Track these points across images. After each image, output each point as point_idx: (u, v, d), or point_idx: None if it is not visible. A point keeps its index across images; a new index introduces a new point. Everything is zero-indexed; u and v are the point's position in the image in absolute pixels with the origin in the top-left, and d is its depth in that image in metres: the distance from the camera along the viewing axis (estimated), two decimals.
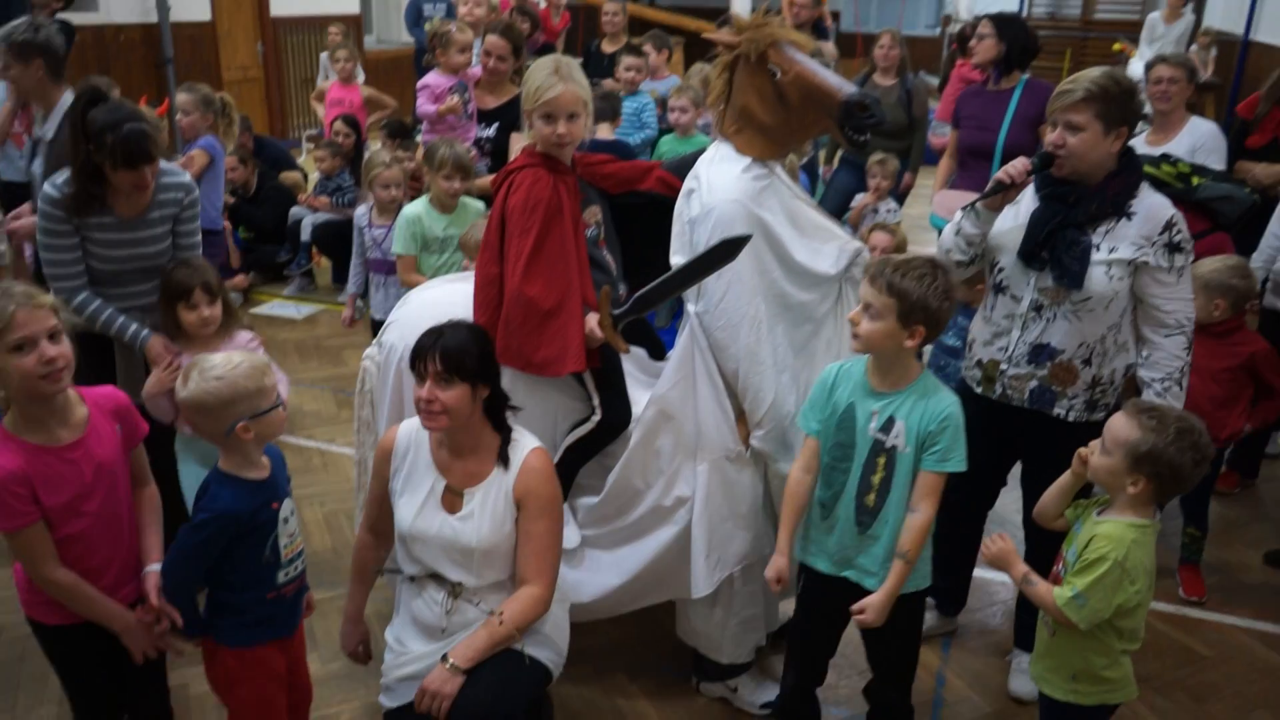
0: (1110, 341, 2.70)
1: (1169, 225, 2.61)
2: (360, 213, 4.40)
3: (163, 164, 3.01)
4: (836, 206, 5.79)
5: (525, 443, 2.50)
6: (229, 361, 2.22)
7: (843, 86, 2.60)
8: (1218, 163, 4.05)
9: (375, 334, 4.18)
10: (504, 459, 2.44)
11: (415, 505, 2.45)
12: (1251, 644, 3.41)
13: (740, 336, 2.69)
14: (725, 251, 2.57)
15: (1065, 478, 2.38)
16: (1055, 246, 2.63)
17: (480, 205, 4.09)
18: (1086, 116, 2.57)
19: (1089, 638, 2.24)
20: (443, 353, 2.31)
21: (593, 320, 2.62)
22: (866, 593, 2.44)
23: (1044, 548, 2.57)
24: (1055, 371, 2.73)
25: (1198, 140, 4.10)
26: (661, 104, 5.51)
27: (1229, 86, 11.22)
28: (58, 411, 2.13)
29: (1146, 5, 15.57)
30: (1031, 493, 2.87)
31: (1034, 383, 2.77)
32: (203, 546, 2.20)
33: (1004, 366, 2.80)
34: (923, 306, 2.28)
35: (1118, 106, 2.57)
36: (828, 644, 2.65)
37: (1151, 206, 2.64)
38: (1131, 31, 12.92)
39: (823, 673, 2.69)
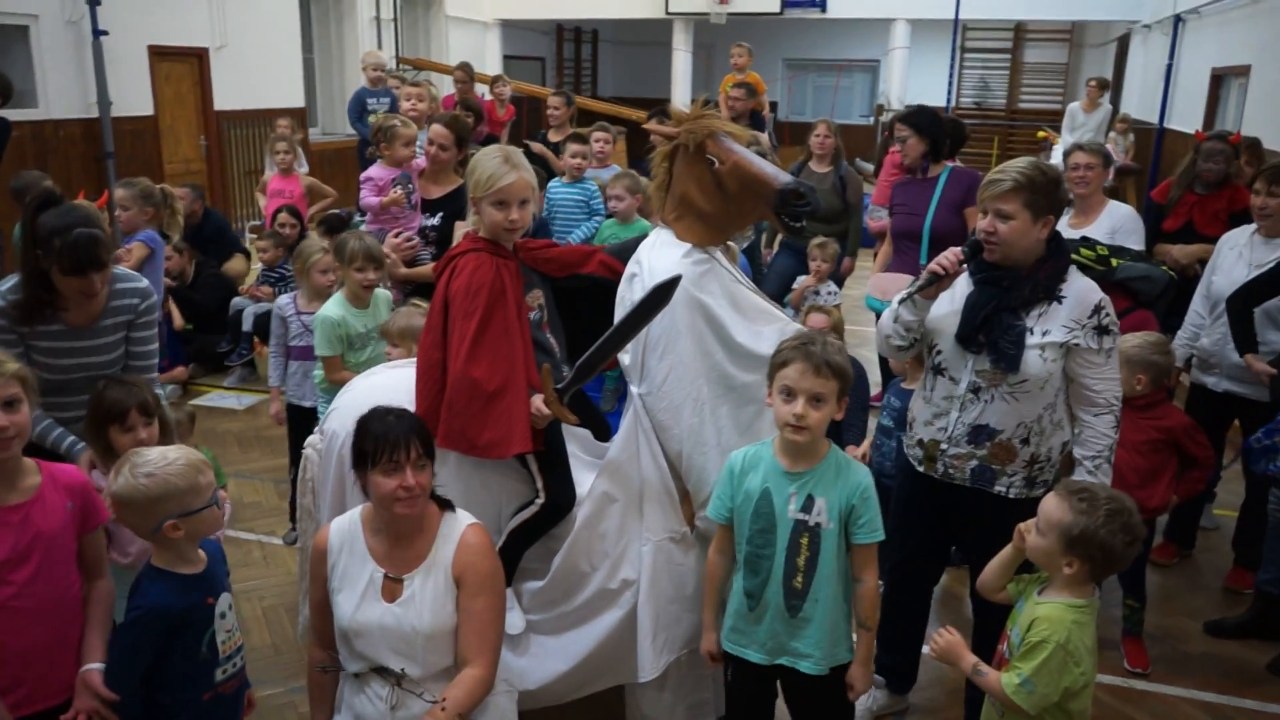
0: (1047, 420, 2.77)
1: (1098, 309, 2.71)
2: (284, 301, 4.33)
3: (118, 269, 2.94)
4: (777, 290, 5.91)
5: (461, 520, 2.49)
6: (163, 457, 2.18)
7: (778, 175, 2.69)
8: (1136, 244, 4.22)
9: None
10: (441, 536, 2.43)
11: (354, 599, 2.41)
12: (1196, 714, 3.44)
13: (683, 418, 2.71)
14: (657, 299, 2.61)
15: (1006, 552, 2.42)
16: (991, 330, 2.71)
17: (387, 294, 4.11)
18: (1015, 205, 2.67)
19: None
20: (420, 438, 2.35)
21: (538, 400, 2.64)
22: (802, 677, 2.46)
23: (991, 622, 2.61)
24: (995, 451, 2.79)
25: (1116, 223, 4.28)
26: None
27: (1147, 171, 11.77)
28: (6, 475, 2.13)
29: (1067, 95, 16.37)
30: (976, 568, 2.90)
31: (974, 462, 2.83)
32: (135, 646, 2.14)
33: (944, 446, 2.86)
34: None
35: (1044, 195, 2.68)
36: None
37: (1080, 290, 2.74)
38: (1054, 120, 13.55)
39: None
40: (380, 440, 2.33)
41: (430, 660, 2.40)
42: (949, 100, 15.49)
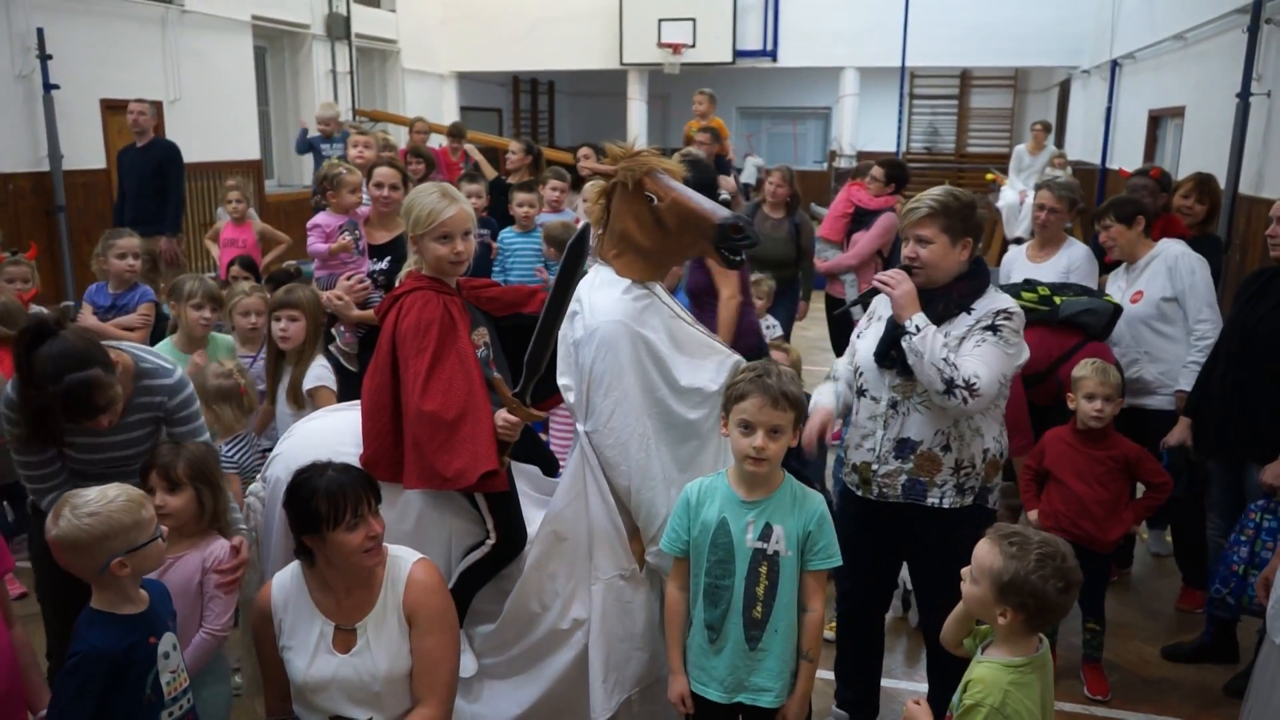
0: (965, 426, 2.84)
1: (998, 313, 2.79)
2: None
3: (145, 365, 2.73)
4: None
5: (406, 558, 2.46)
6: (103, 496, 2.15)
7: (716, 210, 2.74)
8: (1090, 280, 4.34)
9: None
10: (389, 578, 2.41)
11: (307, 655, 2.37)
12: None
13: (630, 453, 2.72)
14: (576, 255, 2.65)
15: (960, 606, 2.32)
16: (899, 344, 2.79)
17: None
18: (933, 230, 2.79)
19: None
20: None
21: (503, 412, 2.64)
22: (761, 711, 2.46)
23: (949, 672, 2.59)
24: (920, 462, 2.85)
25: (1072, 262, 4.39)
26: None
27: (1091, 210, 12.04)
28: None
29: (1013, 138, 16.76)
30: (923, 592, 2.92)
31: (904, 477, 2.87)
32: (79, 692, 2.08)
33: (875, 466, 2.91)
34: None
35: (960, 219, 2.80)
36: None
37: (993, 302, 2.83)
38: (1001, 162, 13.87)
39: None
40: (338, 497, 2.29)
41: (391, 704, 2.37)
42: (899, 145, 15.80)
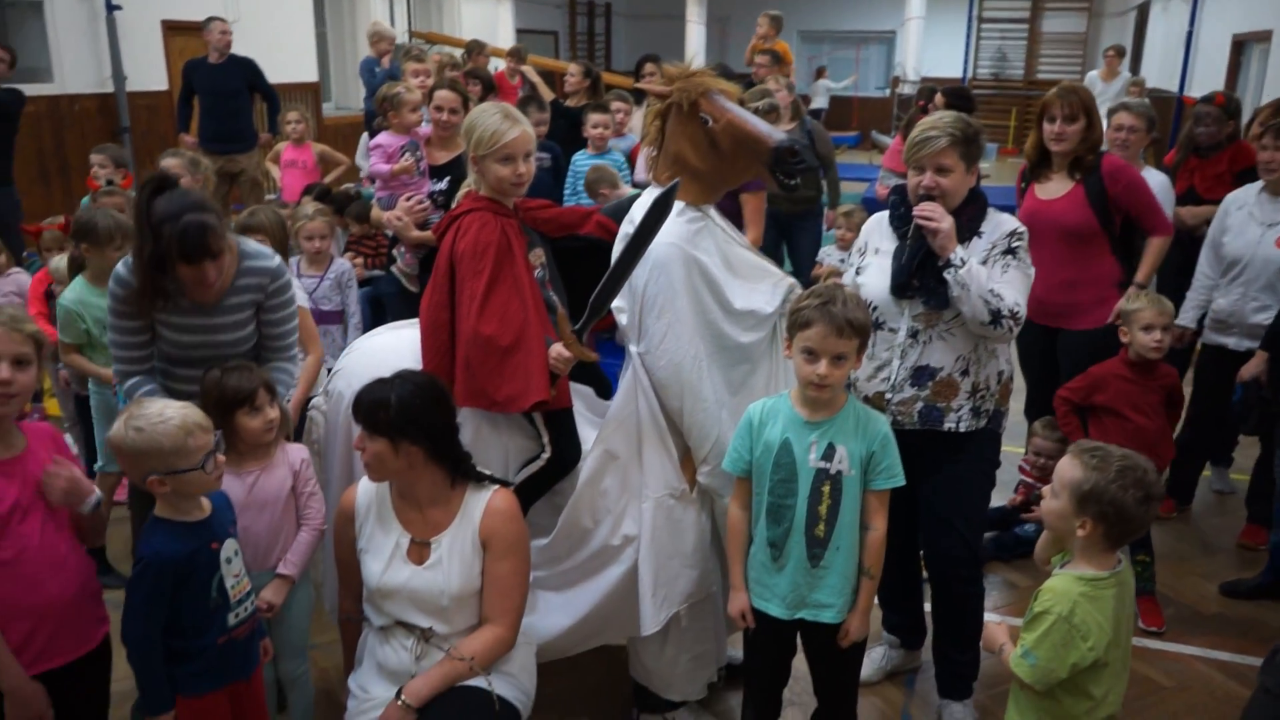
0: (982, 350, 2.87)
1: (1010, 234, 2.83)
2: (290, 264, 4.32)
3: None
4: None
5: (487, 484, 2.51)
6: (159, 414, 2.19)
7: (772, 133, 2.71)
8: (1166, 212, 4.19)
9: None
10: (468, 501, 2.46)
11: (382, 561, 2.45)
12: (1210, 673, 3.45)
13: (683, 375, 2.73)
14: (659, 211, 2.62)
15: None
16: (924, 274, 2.79)
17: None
18: (953, 158, 2.78)
19: (1050, 699, 2.17)
20: (359, 404, 2.37)
21: (558, 346, 2.66)
22: (822, 627, 2.50)
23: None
24: (937, 389, 2.87)
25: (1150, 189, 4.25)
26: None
27: (1166, 141, 11.63)
28: (4, 433, 2.16)
29: (1086, 64, 16.18)
30: (931, 516, 2.95)
31: (920, 404, 2.89)
32: (148, 598, 2.18)
33: (889, 395, 2.92)
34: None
35: (975, 146, 2.83)
36: (781, 677, 2.70)
37: (999, 223, 2.86)
38: None
39: (779, 705, 2.73)
40: (353, 408, 2.39)
41: (457, 620, 2.45)
42: (965, 71, 15.35)
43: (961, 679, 3.06)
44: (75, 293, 3.57)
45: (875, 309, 2.91)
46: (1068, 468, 2.16)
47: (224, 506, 2.36)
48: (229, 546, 2.30)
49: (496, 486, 2.51)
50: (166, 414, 2.19)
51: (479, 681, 2.43)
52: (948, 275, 2.72)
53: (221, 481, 2.29)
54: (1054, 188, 3.89)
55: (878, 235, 2.99)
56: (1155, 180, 4.31)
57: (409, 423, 2.34)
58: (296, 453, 2.76)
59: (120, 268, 2.68)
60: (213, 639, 2.26)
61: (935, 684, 3.15)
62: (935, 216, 2.73)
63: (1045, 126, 3.82)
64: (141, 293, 2.62)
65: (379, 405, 2.34)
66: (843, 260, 5.56)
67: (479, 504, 2.46)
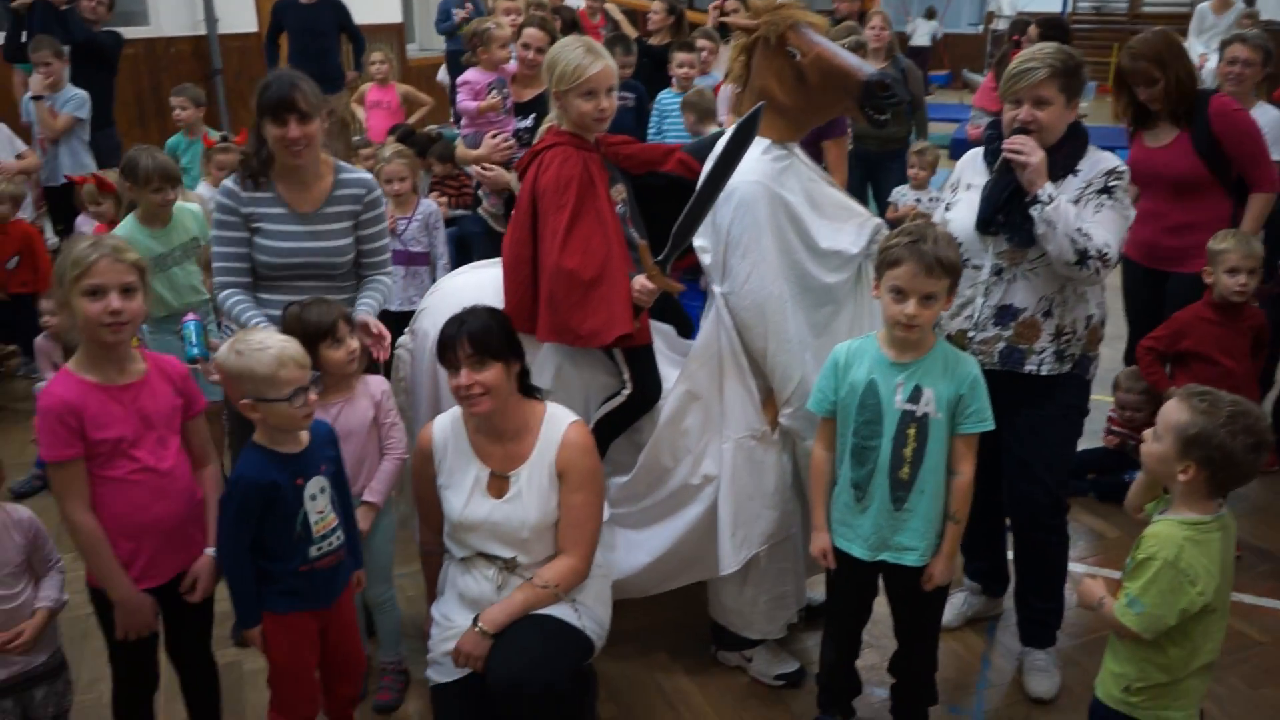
0: (1070, 292, 2.76)
1: (1108, 173, 2.70)
2: None
3: (342, 163, 2.95)
4: None
5: (563, 417, 2.55)
6: (260, 342, 2.28)
7: (862, 67, 2.65)
8: (1277, 152, 3.97)
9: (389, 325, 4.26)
10: (544, 434, 2.50)
11: (462, 496, 2.51)
12: None
13: (767, 316, 2.71)
14: (743, 136, 2.57)
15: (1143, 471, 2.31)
16: (1010, 211, 2.71)
17: (193, 208, 3.88)
18: (1052, 91, 2.66)
19: (1154, 648, 2.11)
20: (469, 337, 2.40)
21: (641, 278, 2.66)
22: (904, 569, 2.48)
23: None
24: (1019, 330, 2.79)
25: (1263, 127, 4.01)
26: None
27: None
28: (117, 360, 2.25)
29: None
30: (1013, 460, 2.89)
31: (1001, 344, 2.82)
32: (235, 516, 2.29)
33: (971, 334, 2.85)
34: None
35: (1075, 79, 2.69)
36: (862, 617, 2.70)
37: (1098, 161, 2.74)
38: (1180, 25, 12.73)
39: (859, 644, 2.73)
40: (443, 342, 2.43)
41: (536, 550, 2.52)
42: (1065, 4, 14.67)
43: (1044, 627, 3.02)
44: (125, 230, 3.60)
45: (960, 245, 2.83)
46: (1174, 410, 2.08)
47: (323, 444, 2.43)
48: (315, 484, 2.36)
49: (572, 419, 2.54)
50: (267, 343, 2.27)
51: (557, 610, 2.50)
52: (1033, 212, 2.63)
53: (308, 420, 2.33)
54: (1161, 135, 3.73)
55: (970, 171, 2.90)
56: (1268, 117, 4.09)
57: (513, 343, 2.45)
58: (377, 384, 2.82)
59: (227, 180, 2.85)
60: (295, 566, 2.35)
61: (1017, 631, 3.11)
62: (1025, 150, 2.64)
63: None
64: (244, 162, 2.81)
65: (487, 332, 2.41)
66: (917, 200, 5.42)
67: (555, 436, 2.51)
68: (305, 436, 2.37)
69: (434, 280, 4.25)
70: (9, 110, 6.38)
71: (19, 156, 5.68)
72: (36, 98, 5.63)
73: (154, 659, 2.41)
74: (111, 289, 2.16)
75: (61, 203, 5.97)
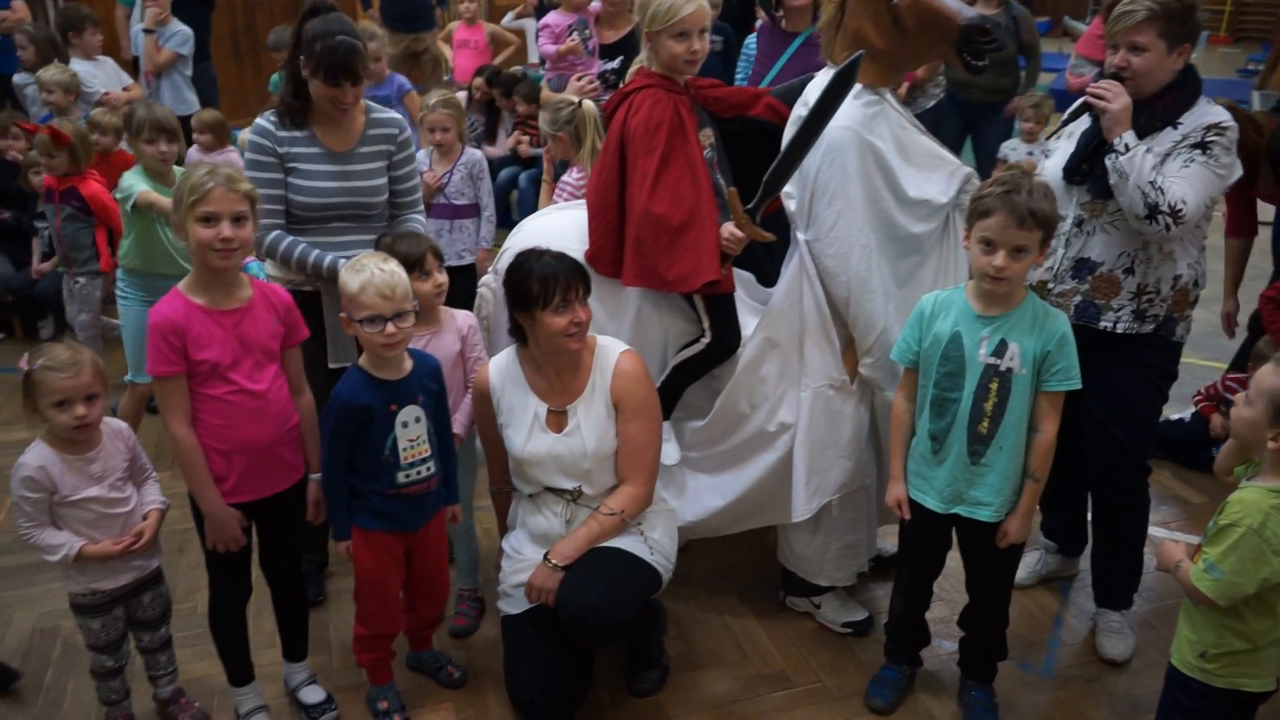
0: (1155, 250, 2.66)
1: (1209, 128, 2.56)
2: (421, 155, 4.12)
3: (369, 102, 2.94)
4: None
5: (614, 348, 2.61)
6: (362, 264, 2.38)
7: (962, 10, 2.56)
8: None
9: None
10: (598, 366, 2.58)
11: (523, 433, 2.58)
12: None
13: (851, 264, 2.68)
14: (840, 86, 2.52)
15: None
16: (1094, 160, 2.63)
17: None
18: (1150, 36, 2.54)
19: (1233, 617, 2.06)
20: (579, 276, 2.49)
21: (729, 225, 2.65)
22: (977, 524, 2.47)
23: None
24: (1096, 284, 2.72)
25: None
26: None
27: None
28: (225, 284, 2.34)
29: None
30: (1092, 420, 2.83)
31: (1078, 298, 2.75)
32: (331, 434, 2.41)
33: (1051, 285, 2.80)
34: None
35: (1179, 24, 2.54)
36: (934, 569, 2.70)
37: (1203, 115, 2.59)
38: None
39: (929, 596, 2.74)
40: (550, 281, 2.45)
41: (599, 479, 2.59)
42: None
43: (1120, 589, 2.98)
44: (129, 182, 3.66)
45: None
46: (1268, 375, 2.01)
47: (426, 376, 2.50)
48: (409, 412, 2.43)
49: (622, 349, 2.60)
50: (365, 265, 2.37)
51: (628, 543, 2.56)
52: (1107, 161, 2.55)
53: (387, 350, 2.38)
54: None
55: (1076, 119, 2.81)
56: None
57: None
58: (464, 318, 2.88)
59: (259, 119, 2.85)
60: (382, 488, 2.44)
61: (1091, 593, 3.07)
62: (1108, 96, 2.55)
63: None
64: (279, 107, 2.80)
65: (583, 269, 2.51)
66: (1030, 153, 5.24)
67: (607, 367, 2.56)
68: (407, 365, 2.45)
69: (480, 234, 4.20)
70: (115, 46, 6.56)
71: (125, 89, 5.85)
72: (147, 30, 5.77)
73: (246, 571, 2.53)
74: (224, 217, 2.25)
75: None
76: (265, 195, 2.72)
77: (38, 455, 2.31)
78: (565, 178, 3.83)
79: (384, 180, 2.93)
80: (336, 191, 2.85)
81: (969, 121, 5.71)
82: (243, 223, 2.28)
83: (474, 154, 4.22)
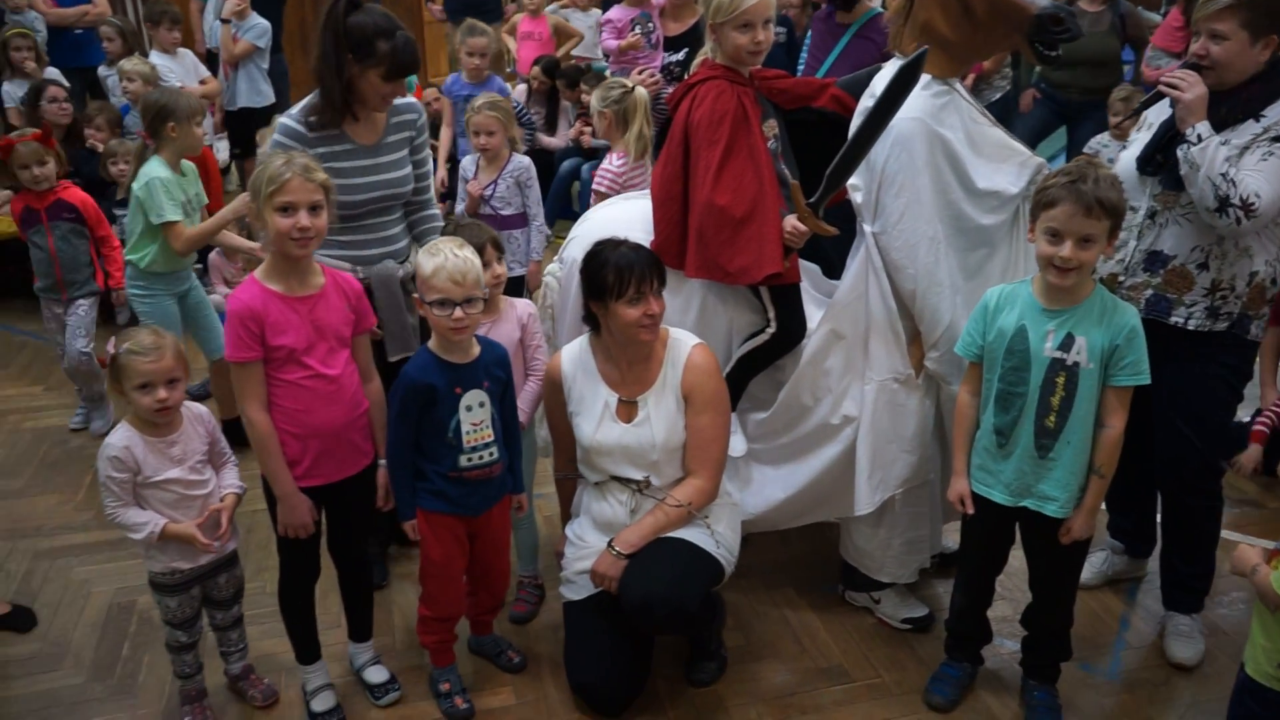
0: (1230, 245, 2.59)
1: None
2: (467, 163, 4.04)
3: None
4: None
5: (686, 341, 2.62)
6: (438, 248, 2.43)
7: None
8: None
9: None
10: (669, 358, 2.59)
11: (593, 422, 2.60)
12: None
13: (919, 257, 2.66)
14: (906, 80, 2.49)
15: None
16: (1168, 151, 2.57)
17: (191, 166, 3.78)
18: (1231, 25, 2.47)
19: None
20: (655, 269, 2.52)
21: (792, 218, 2.64)
22: (1045, 519, 2.44)
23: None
24: (1169, 278, 2.66)
25: None
26: None
27: None
28: (300, 272, 2.40)
29: None
30: (1161, 418, 2.77)
31: (1149, 291, 2.70)
32: (398, 414, 2.46)
33: (1122, 278, 2.74)
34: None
35: (1265, 15, 2.46)
36: (997, 564, 2.67)
37: None
38: None
39: (991, 592, 2.71)
40: (625, 272, 2.48)
41: (666, 471, 2.61)
42: None
43: (1190, 592, 2.92)
44: (163, 168, 3.58)
45: (1121, 183, 2.72)
46: None
47: (493, 363, 2.54)
48: (473, 396, 2.47)
49: (695, 343, 2.61)
50: (441, 249, 2.41)
51: (694, 535, 2.57)
52: (1179, 151, 2.49)
53: (454, 333, 2.43)
54: None
55: (1158, 110, 2.75)
56: None
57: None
58: (524, 307, 2.92)
59: (284, 119, 2.76)
60: (444, 470, 2.49)
61: (1159, 595, 3.01)
62: (1181, 85, 2.49)
63: None
64: (322, 110, 2.71)
65: (658, 261, 2.54)
66: (1124, 148, 5.11)
67: (679, 359, 2.57)
68: (475, 350, 2.50)
69: (529, 245, 4.02)
70: (191, 40, 6.72)
71: (201, 82, 5.99)
72: (224, 21, 5.90)
73: (315, 553, 2.59)
74: (301, 206, 2.30)
75: (239, 126, 6.31)
76: None
77: (123, 436, 2.39)
78: (605, 164, 3.81)
79: (410, 169, 2.93)
80: (371, 186, 2.83)
81: (1064, 117, 5.56)
82: (318, 211, 2.34)
83: (522, 161, 3.99)
